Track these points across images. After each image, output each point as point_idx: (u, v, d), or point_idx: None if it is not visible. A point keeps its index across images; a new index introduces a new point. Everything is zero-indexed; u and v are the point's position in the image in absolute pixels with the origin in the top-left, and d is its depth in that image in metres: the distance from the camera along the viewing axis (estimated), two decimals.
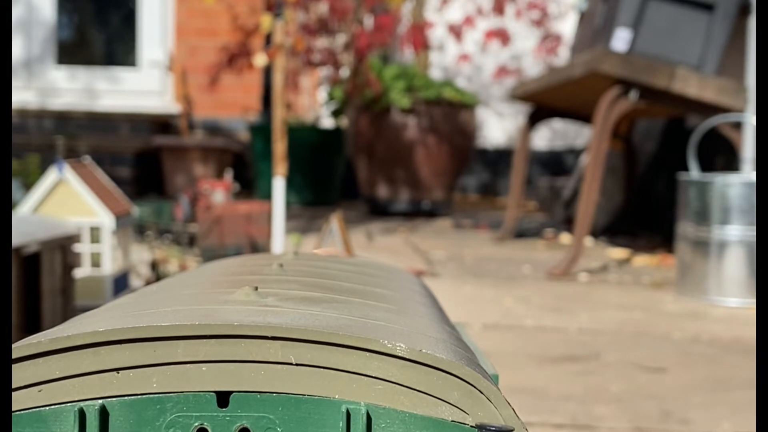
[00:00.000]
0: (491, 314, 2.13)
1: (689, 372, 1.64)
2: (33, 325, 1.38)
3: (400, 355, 0.36)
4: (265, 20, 3.39)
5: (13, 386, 0.36)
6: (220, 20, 5.34)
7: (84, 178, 1.77)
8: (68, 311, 1.52)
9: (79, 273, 1.75)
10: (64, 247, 1.48)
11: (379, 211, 4.64)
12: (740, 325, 2.11)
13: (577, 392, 1.46)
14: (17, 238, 1.31)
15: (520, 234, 3.82)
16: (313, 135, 5.08)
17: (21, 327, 1.32)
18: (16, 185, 3.87)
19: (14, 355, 0.36)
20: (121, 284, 1.88)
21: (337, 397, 0.36)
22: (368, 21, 4.54)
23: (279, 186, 2.13)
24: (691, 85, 2.67)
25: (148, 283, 2.09)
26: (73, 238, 1.55)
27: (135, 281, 2.09)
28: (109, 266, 1.79)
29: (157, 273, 2.07)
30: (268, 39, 4.48)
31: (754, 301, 2.31)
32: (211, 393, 0.36)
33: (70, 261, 1.51)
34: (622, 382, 1.54)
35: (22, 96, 5.23)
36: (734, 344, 1.89)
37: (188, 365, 0.36)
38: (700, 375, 1.62)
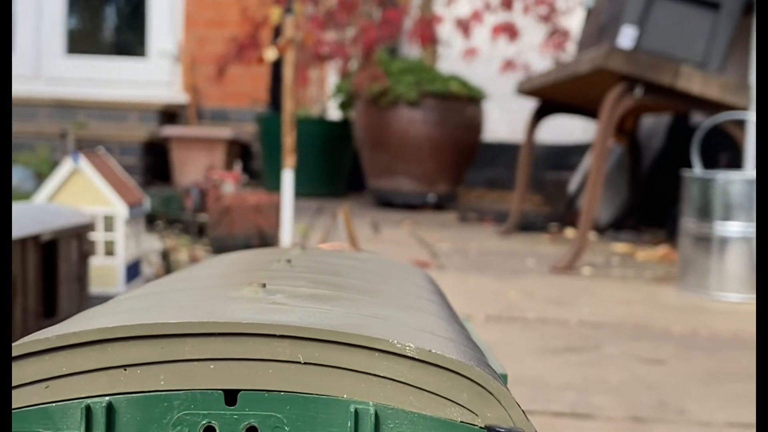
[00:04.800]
0: (494, 306, 2.17)
1: (687, 364, 1.68)
2: (50, 311, 1.43)
3: (409, 355, 0.36)
4: (274, 12, 3.42)
5: (20, 382, 0.36)
6: (229, 11, 5.37)
7: (98, 168, 1.82)
8: (83, 298, 1.56)
9: (94, 261, 1.80)
10: (80, 235, 1.52)
11: (385, 203, 4.68)
12: (740, 319, 2.14)
13: (577, 382, 1.50)
14: (36, 227, 1.35)
15: (525, 228, 3.85)
16: (321, 127, 5.12)
17: (39, 313, 1.36)
18: (27, 174, 3.91)
19: (21, 352, 0.36)
20: (133, 272, 1.93)
21: (345, 396, 0.36)
22: (377, 14, 4.56)
23: (288, 178, 2.17)
24: (695, 83, 2.70)
25: (158, 272, 2.14)
26: (89, 227, 1.59)
27: (146, 269, 2.14)
28: (123, 254, 1.84)
29: (167, 262, 2.12)
30: (276, 31, 4.51)
31: (754, 296, 2.35)
32: (219, 391, 0.36)
33: (85, 249, 1.56)
34: (621, 373, 1.58)
35: (32, 85, 5.27)
36: (733, 338, 1.92)
37: (196, 363, 0.36)
38: (698, 368, 1.66)
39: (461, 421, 0.36)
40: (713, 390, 1.50)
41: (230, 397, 0.36)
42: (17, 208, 1.47)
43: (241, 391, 0.36)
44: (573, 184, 4.22)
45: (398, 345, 0.36)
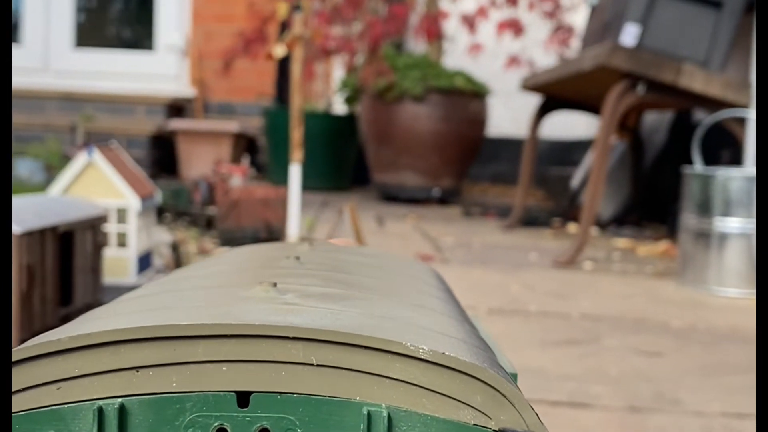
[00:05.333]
0: (497, 299, 2.21)
1: (685, 357, 1.72)
2: (66, 300, 1.47)
3: (422, 357, 0.36)
4: (281, 7, 3.46)
5: (32, 384, 0.36)
6: (236, 6, 5.41)
7: (111, 162, 1.87)
8: (97, 288, 1.61)
9: (107, 252, 1.85)
10: (94, 227, 1.57)
11: (390, 197, 4.72)
12: (737, 314, 2.18)
13: (576, 373, 1.55)
14: (53, 218, 1.40)
15: (528, 222, 3.89)
16: (326, 122, 5.16)
17: (56, 301, 1.41)
18: (36, 166, 3.96)
19: (33, 353, 0.36)
20: (144, 263, 1.98)
21: (358, 398, 0.36)
22: (383, 10, 4.60)
23: (295, 172, 2.22)
24: (696, 81, 2.74)
25: (168, 263, 2.19)
26: (102, 219, 1.64)
27: (157, 261, 2.19)
28: (135, 246, 1.88)
29: (177, 254, 2.16)
30: (283, 26, 4.55)
31: (752, 291, 2.39)
32: (232, 393, 0.36)
33: (99, 240, 1.61)
34: (619, 365, 1.62)
35: (41, 78, 5.31)
36: (730, 332, 1.96)
37: (208, 365, 0.36)
38: (694, 360, 1.70)
39: (474, 424, 0.36)
40: (709, 382, 1.54)
41: (243, 398, 0.36)
42: (36, 200, 1.52)
43: (254, 393, 0.36)
44: (576, 180, 4.26)
45: (411, 347, 0.36)
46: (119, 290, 1.66)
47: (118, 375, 0.36)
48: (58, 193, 1.82)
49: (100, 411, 0.36)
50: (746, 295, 2.39)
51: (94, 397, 0.36)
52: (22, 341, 1.25)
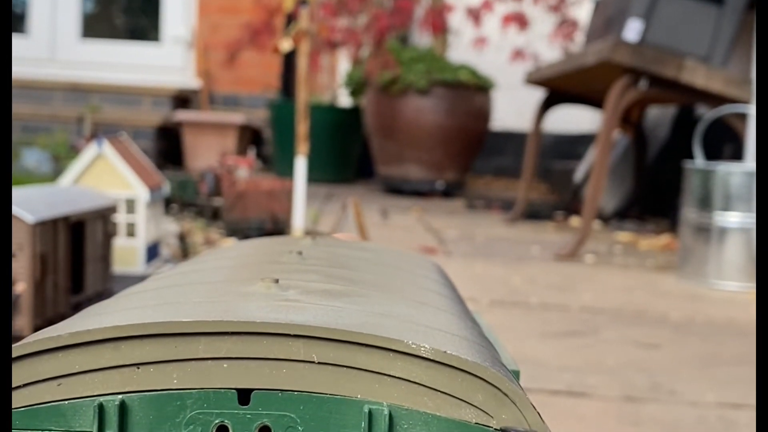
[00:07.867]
0: (498, 291, 2.24)
1: (682, 349, 1.75)
2: (77, 288, 1.51)
3: (423, 355, 0.36)
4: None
5: (32, 380, 0.36)
6: None
7: (120, 153, 1.90)
8: (107, 277, 1.65)
9: (116, 242, 1.89)
10: (105, 217, 1.60)
11: (394, 189, 4.75)
12: (736, 307, 2.21)
13: (575, 364, 1.58)
14: (65, 208, 1.43)
15: (531, 216, 3.92)
16: (331, 114, 5.18)
17: (68, 289, 1.45)
18: (44, 157, 4.00)
19: (33, 349, 0.36)
20: (152, 253, 2.01)
21: (359, 396, 0.36)
22: (389, 2, 4.62)
23: (301, 165, 2.25)
24: (698, 76, 2.76)
25: (175, 253, 2.22)
26: (112, 209, 1.67)
27: (164, 251, 2.23)
28: (143, 236, 1.92)
29: (184, 244, 2.20)
30: (289, 17, 4.58)
31: (751, 285, 2.42)
32: (232, 390, 0.36)
33: (109, 230, 1.64)
34: (617, 356, 1.65)
35: (47, 69, 5.35)
36: (728, 325, 2.00)
37: (209, 362, 0.36)
38: (691, 352, 1.73)
39: (476, 423, 0.36)
40: (705, 373, 1.58)
41: (243, 396, 0.36)
42: (48, 190, 1.56)
43: (255, 391, 0.36)
44: (579, 174, 4.29)
45: (413, 345, 0.36)
46: (128, 279, 1.70)
47: (119, 371, 0.36)
48: (69, 184, 1.86)
49: (101, 407, 0.36)
50: (745, 289, 2.42)
51: (95, 394, 0.36)
52: (36, 328, 1.29)
